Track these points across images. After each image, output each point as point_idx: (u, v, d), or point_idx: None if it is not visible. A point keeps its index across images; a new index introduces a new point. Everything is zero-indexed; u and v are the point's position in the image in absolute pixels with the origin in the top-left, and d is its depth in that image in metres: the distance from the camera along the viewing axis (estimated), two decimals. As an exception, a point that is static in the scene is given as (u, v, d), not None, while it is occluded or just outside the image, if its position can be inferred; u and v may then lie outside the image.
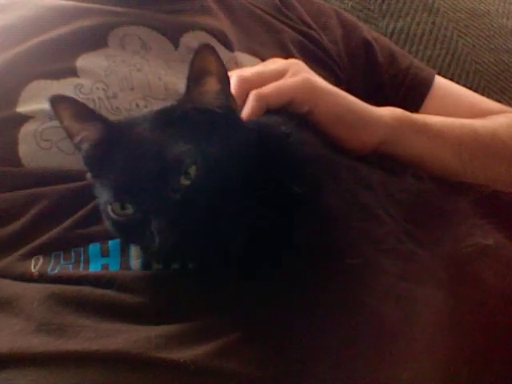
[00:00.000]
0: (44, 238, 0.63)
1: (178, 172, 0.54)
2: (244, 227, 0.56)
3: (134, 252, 0.60)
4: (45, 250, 0.62)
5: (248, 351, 0.53)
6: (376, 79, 0.93)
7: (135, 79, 0.74)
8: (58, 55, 0.74)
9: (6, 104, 0.70)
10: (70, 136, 0.59)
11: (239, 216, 0.55)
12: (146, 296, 0.56)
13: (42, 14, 0.78)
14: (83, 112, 0.58)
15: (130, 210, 0.55)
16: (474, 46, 1.16)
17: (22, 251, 0.62)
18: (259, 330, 0.54)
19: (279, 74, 0.69)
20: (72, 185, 0.66)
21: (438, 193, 0.69)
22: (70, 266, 0.60)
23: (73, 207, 0.64)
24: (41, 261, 0.61)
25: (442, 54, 1.13)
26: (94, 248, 0.61)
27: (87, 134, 0.59)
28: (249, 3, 0.91)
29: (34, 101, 0.70)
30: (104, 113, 0.67)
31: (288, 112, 0.66)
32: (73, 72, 0.73)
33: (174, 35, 0.80)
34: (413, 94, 0.92)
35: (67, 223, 0.63)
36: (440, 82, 0.95)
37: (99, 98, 0.71)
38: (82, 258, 0.61)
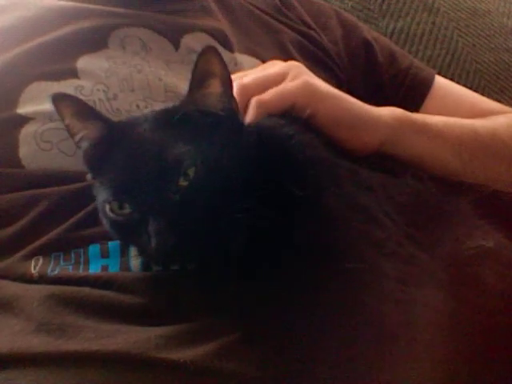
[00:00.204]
0: (44, 239, 0.63)
1: (177, 173, 0.54)
2: (244, 227, 0.56)
3: (134, 253, 0.60)
4: (45, 251, 0.62)
5: (248, 351, 0.53)
6: (376, 79, 0.93)
7: (135, 80, 0.75)
8: (58, 56, 0.74)
9: (6, 105, 0.71)
10: (71, 134, 0.60)
11: (239, 216, 0.55)
12: (145, 297, 0.56)
13: (42, 15, 0.78)
14: (84, 111, 0.59)
15: (127, 209, 0.55)
16: (474, 45, 1.16)
17: (22, 252, 0.62)
18: (259, 330, 0.54)
19: (279, 78, 0.69)
20: (72, 186, 0.66)
21: (438, 193, 0.69)
22: (70, 267, 0.60)
23: (73, 208, 0.64)
24: (41, 262, 0.61)
25: (442, 53, 1.13)
26: (93, 249, 0.62)
27: (88, 132, 0.59)
28: (248, 3, 0.91)
29: (35, 102, 0.70)
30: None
31: (290, 115, 0.67)
32: (73, 73, 0.73)
33: (174, 36, 0.80)
34: (413, 94, 0.92)
35: (67, 224, 0.63)
36: (440, 81, 0.95)
37: (99, 100, 0.71)
38: (82, 259, 0.61)
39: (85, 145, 0.60)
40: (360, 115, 0.72)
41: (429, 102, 0.93)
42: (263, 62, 0.82)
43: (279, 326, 0.54)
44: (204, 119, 0.57)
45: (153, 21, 0.81)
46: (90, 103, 0.69)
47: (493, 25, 1.19)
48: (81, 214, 0.64)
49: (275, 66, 0.72)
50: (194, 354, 0.52)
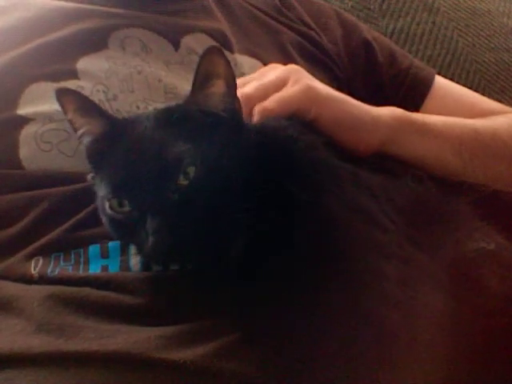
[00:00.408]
0: (44, 239, 0.63)
1: (176, 171, 0.54)
2: (244, 227, 0.56)
3: (134, 252, 0.60)
4: (45, 252, 0.62)
5: (248, 351, 0.53)
6: (376, 79, 0.93)
7: (135, 81, 0.75)
8: (58, 57, 0.74)
9: (6, 106, 0.71)
10: (74, 129, 0.60)
11: (239, 216, 0.55)
12: (145, 297, 0.56)
13: (43, 16, 0.78)
14: (87, 106, 0.59)
15: (127, 207, 0.55)
16: (474, 45, 1.16)
17: (22, 253, 0.62)
18: (259, 330, 0.54)
19: (281, 84, 0.69)
20: (72, 187, 0.66)
21: (438, 194, 0.69)
22: (70, 268, 0.61)
23: (73, 209, 0.64)
24: (41, 262, 0.61)
25: (442, 53, 1.13)
26: (93, 249, 0.62)
27: (90, 127, 0.59)
28: (248, 4, 0.91)
29: (35, 103, 0.70)
30: None
31: (293, 116, 0.67)
32: (73, 74, 0.73)
33: (174, 37, 0.80)
34: (413, 94, 0.92)
35: (67, 225, 0.63)
36: (440, 81, 0.95)
37: (99, 100, 0.71)
38: (82, 259, 0.61)
39: (87, 140, 0.60)
40: (360, 116, 0.73)
41: (429, 101, 0.92)
42: (263, 62, 0.82)
43: (279, 326, 0.54)
44: (205, 119, 0.57)
45: (153, 21, 0.81)
46: (91, 103, 0.70)
47: (493, 25, 1.19)
48: (81, 215, 0.64)
49: (275, 71, 0.72)
50: (194, 354, 0.52)
